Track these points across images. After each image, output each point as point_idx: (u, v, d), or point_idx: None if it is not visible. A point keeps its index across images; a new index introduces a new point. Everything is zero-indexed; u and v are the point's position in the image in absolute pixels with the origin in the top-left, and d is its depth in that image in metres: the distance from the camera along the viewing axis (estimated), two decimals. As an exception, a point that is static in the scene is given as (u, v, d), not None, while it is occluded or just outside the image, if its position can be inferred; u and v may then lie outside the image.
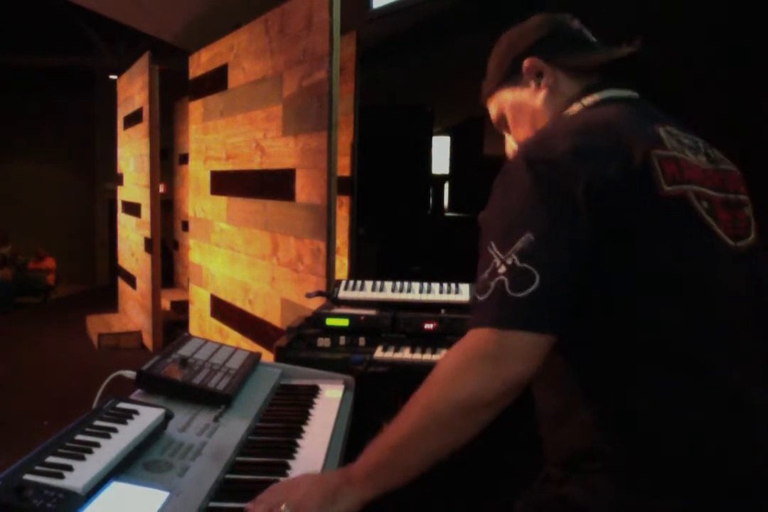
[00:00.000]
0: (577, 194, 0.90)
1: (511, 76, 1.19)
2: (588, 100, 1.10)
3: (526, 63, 1.16)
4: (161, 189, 6.05)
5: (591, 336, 0.96)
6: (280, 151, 3.55)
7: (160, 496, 0.94)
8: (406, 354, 1.98)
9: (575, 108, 1.10)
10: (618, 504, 0.93)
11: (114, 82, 7.29)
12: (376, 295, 2.24)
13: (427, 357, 1.97)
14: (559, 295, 0.90)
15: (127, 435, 1.04)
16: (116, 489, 0.94)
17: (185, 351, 1.49)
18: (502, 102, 1.22)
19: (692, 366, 0.93)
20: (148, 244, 5.67)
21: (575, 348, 0.97)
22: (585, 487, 0.96)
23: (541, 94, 1.16)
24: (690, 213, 0.96)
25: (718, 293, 0.96)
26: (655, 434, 0.93)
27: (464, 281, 2.27)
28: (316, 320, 2.11)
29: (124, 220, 6.85)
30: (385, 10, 3.40)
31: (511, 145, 1.27)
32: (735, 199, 1.05)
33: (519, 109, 1.19)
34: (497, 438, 1.21)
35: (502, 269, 0.91)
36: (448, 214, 5.05)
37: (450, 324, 2.05)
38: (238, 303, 4.13)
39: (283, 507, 0.93)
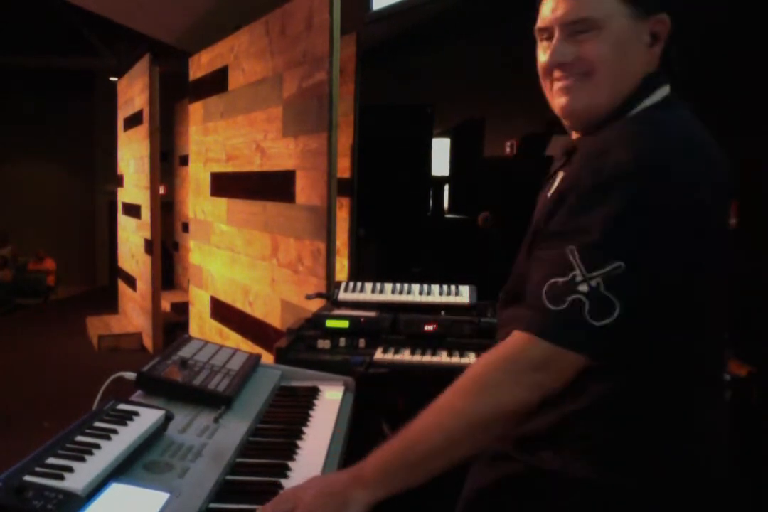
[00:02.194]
0: (677, 226, 0.89)
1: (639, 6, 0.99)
2: (649, 101, 1.01)
3: (661, 17, 1.01)
4: (161, 190, 6.05)
5: None
6: (280, 152, 3.55)
7: (161, 497, 0.94)
8: (406, 355, 1.98)
9: (647, 103, 1.01)
10: (582, 477, 0.98)
11: (114, 83, 7.30)
12: (376, 297, 2.24)
13: (427, 358, 1.97)
14: (631, 328, 0.89)
15: (127, 436, 1.04)
16: (116, 490, 0.93)
17: (185, 352, 1.49)
18: (605, 16, 0.97)
19: (686, 375, 0.99)
20: (148, 246, 5.67)
21: None
22: (559, 454, 1.00)
23: (647, 57, 1.03)
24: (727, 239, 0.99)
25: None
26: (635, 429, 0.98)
27: (464, 283, 2.27)
28: (316, 322, 2.11)
29: (124, 221, 6.85)
30: (385, 11, 3.40)
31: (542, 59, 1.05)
32: None
33: (622, 50, 1.00)
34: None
35: (584, 288, 0.88)
36: (448, 216, 5.05)
37: (450, 326, 2.05)
38: (238, 304, 4.13)
39: None
